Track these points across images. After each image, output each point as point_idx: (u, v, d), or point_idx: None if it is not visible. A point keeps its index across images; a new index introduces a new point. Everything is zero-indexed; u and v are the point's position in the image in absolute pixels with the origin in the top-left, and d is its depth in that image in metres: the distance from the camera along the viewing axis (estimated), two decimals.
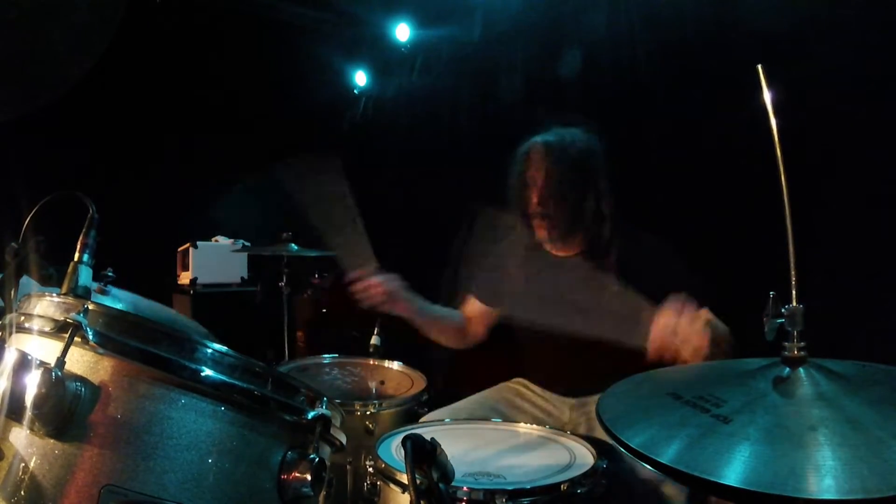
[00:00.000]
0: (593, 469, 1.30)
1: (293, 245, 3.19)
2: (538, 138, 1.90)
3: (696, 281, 1.75)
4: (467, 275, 2.13)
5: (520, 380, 2.02)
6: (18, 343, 0.96)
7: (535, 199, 1.84)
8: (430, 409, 1.99)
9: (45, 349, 0.90)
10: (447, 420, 1.71)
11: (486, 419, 1.74)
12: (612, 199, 1.84)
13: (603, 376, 1.11)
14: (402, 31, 4.22)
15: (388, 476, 1.30)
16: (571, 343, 1.78)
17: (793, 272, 0.93)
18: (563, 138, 1.88)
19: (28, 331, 0.95)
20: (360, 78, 4.80)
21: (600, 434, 1.54)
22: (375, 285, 1.88)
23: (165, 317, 1.72)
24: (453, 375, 2.22)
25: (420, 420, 1.83)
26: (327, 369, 2.30)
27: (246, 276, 4.36)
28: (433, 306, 2.07)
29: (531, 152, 1.89)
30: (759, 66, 0.97)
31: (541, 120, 1.95)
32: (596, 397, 1.75)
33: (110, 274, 1.56)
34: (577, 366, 1.82)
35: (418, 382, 2.14)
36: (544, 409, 1.93)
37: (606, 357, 1.65)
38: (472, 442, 1.52)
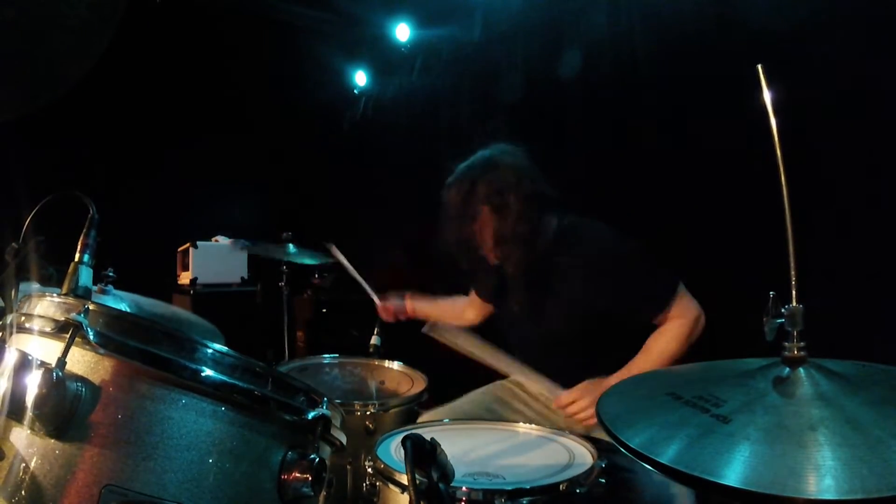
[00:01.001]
0: (592, 469, 1.29)
1: (291, 246, 3.19)
2: (462, 165, 1.87)
3: (655, 265, 1.79)
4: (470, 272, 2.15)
5: (512, 380, 2.00)
6: (19, 343, 0.96)
7: (492, 257, 1.84)
8: (430, 409, 1.99)
9: (46, 349, 0.90)
10: (447, 420, 1.71)
11: (481, 419, 1.74)
12: (547, 213, 1.82)
13: (593, 371, 1.14)
14: (402, 31, 4.22)
15: (387, 477, 1.30)
16: (539, 348, 1.88)
17: (793, 272, 0.93)
18: (482, 158, 1.85)
19: (29, 331, 0.95)
20: (360, 78, 4.80)
21: (598, 434, 1.54)
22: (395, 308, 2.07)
23: (168, 315, 1.72)
24: (453, 375, 2.22)
25: (416, 420, 1.83)
26: (327, 369, 2.30)
27: (246, 276, 4.36)
28: (439, 301, 2.24)
29: (451, 190, 1.86)
30: (759, 66, 0.97)
31: (451, 158, 1.93)
32: None
33: (111, 274, 1.56)
34: (567, 362, 1.83)
35: (418, 382, 2.14)
36: (539, 412, 1.93)
37: (595, 352, 1.79)
38: (471, 442, 1.52)
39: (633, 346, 1.78)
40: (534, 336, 1.91)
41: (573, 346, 1.83)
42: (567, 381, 1.79)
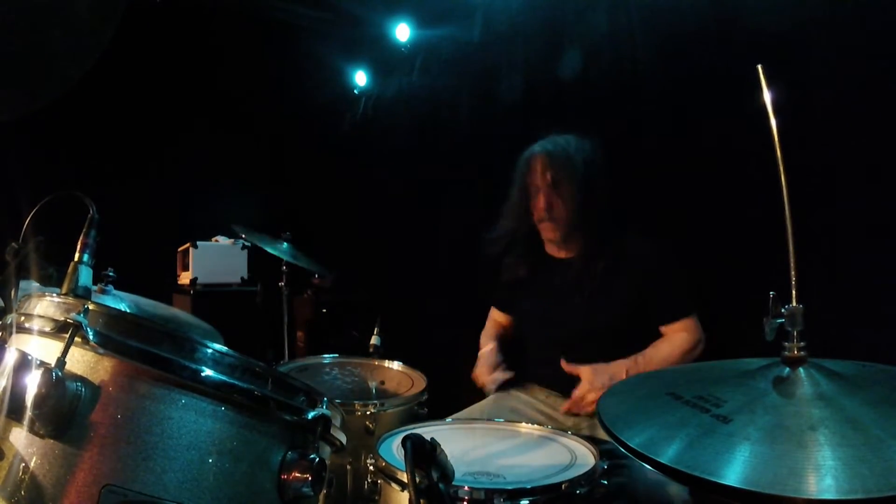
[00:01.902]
0: (594, 469, 1.29)
1: (285, 244, 3.18)
2: (537, 147, 2.01)
3: (685, 283, 1.92)
4: (489, 287, 2.27)
5: (514, 392, 2.04)
6: (19, 343, 0.96)
7: (541, 205, 1.95)
8: (430, 410, 1.99)
9: (46, 349, 0.90)
10: (447, 420, 1.71)
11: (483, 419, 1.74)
12: (607, 204, 1.95)
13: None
14: (402, 31, 4.22)
15: (388, 475, 1.30)
16: (574, 341, 1.91)
17: (793, 272, 0.93)
18: (561, 145, 1.99)
19: (28, 331, 0.95)
20: (360, 78, 4.80)
21: (602, 436, 1.54)
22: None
23: (168, 316, 1.72)
24: (454, 376, 2.22)
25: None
26: (327, 369, 2.29)
27: (246, 276, 4.36)
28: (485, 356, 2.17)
29: (532, 161, 2.00)
30: (759, 66, 0.97)
31: (538, 128, 2.06)
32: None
33: (111, 274, 1.56)
34: (575, 347, 1.87)
35: (418, 382, 2.14)
36: (547, 413, 1.94)
37: (609, 354, 1.81)
38: (472, 442, 1.52)
39: (639, 345, 1.86)
40: (560, 334, 1.97)
41: (600, 342, 1.89)
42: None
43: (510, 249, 2.11)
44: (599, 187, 1.95)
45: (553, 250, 2.08)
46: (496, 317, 2.32)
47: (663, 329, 1.88)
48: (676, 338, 1.86)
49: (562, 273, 2.02)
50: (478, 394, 2.07)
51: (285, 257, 3.18)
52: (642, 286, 1.88)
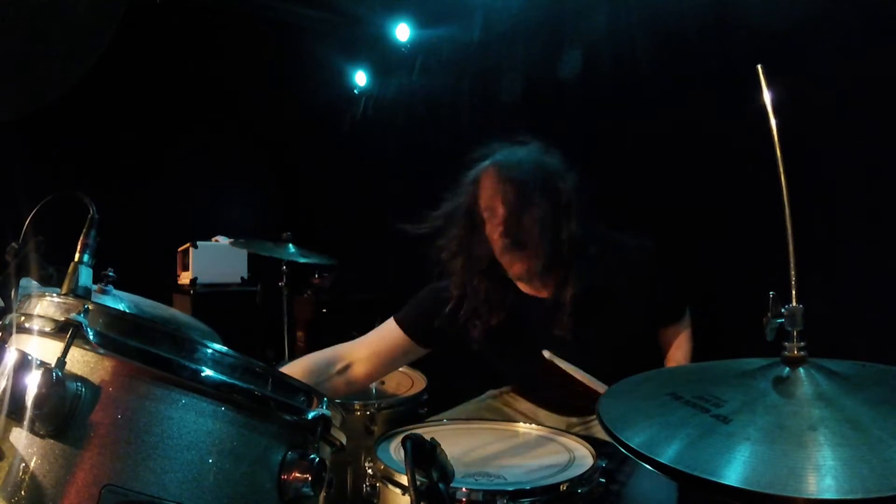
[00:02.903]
0: (593, 469, 1.29)
1: (291, 246, 3.18)
2: (486, 162, 1.68)
3: (681, 283, 1.78)
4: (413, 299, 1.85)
5: (508, 391, 1.96)
6: (19, 343, 0.96)
7: (499, 230, 1.59)
8: (430, 410, 1.99)
9: (46, 349, 0.90)
10: (446, 420, 1.71)
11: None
12: (581, 224, 1.63)
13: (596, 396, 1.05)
14: (402, 31, 4.22)
15: (387, 477, 1.30)
16: (556, 373, 1.68)
17: (793, 272, 0.93)
18: (518, 157, 1.65)
19: (28, 331, 0.95)
20: (360, 78, 4.80)
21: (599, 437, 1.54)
22: None
23: (167, 316, 1.72)
24: (454, 375, 2.22)
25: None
26: None
27: (246, 276, 4.36)
28: None
29: (481, 178, 1.65)
30: (759, 66, 0.97)
31: (494, 136, 1.76)
32: (593, 416, 1.73)
33: (111, 274, 1.56)
34: (567, 391, 1.68)
35: (418, 382, 2.14)
36: (538, 422, 1.89)
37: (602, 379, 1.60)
38: (471, 442, 1.52)
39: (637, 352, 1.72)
40: (553, 395, 1.79)
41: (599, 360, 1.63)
42: (576, 408, 1.76)
43: (472, 296, 1.72)
44: (568, 206, 1.62)
45: (527, 289, 1.73)
46: (394, 339, 1.80)
47: (662, 332, 1.79)
48: (681, 339, 1.78)
49: (540, 318, 1.68)
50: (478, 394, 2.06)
51: (292, 258, 3.18)
52: (639, 303, 1.65)
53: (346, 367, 1.76)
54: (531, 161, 1.64)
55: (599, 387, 1.54)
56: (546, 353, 1.60)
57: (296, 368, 1.71)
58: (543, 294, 1.71)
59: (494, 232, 1.62)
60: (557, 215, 1.60)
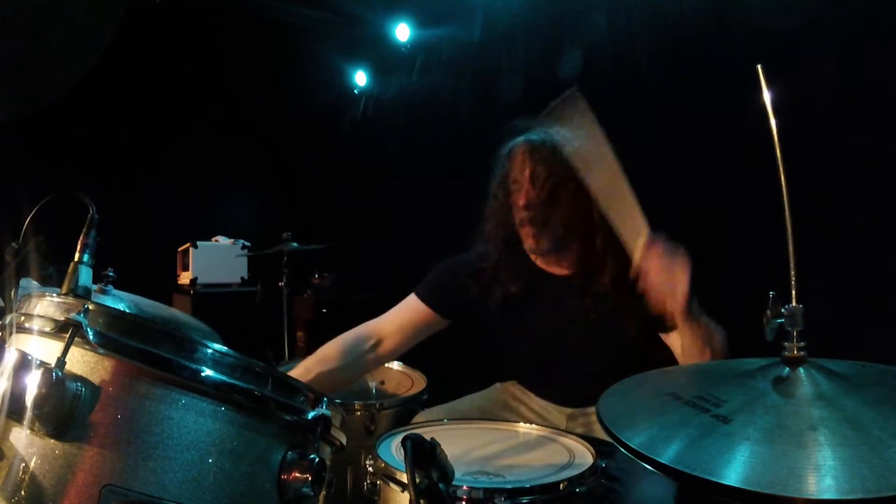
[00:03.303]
0: (592, 468, 1.30)
1: (294, 243, 3.19)
2: (521, 138, 1.75)
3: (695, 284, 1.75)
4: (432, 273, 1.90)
5: (514, 383, 1.96)
6: (19, 343, 0.96)
7: (521, 203, 1.67)
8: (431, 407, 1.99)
9: (46, 349, 0.90)
10: (447, 420, 1.71)
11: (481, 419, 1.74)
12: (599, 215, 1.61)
13: (601, 385, 1.06)
14: (402, 31, 4.23)
15: (388, 475, 1.30)
16: (566, 354, 1.74)
17: (793, 272, 0.93)
18: (549, 136, 1.70)
19: (28, 331, 0.95)
20: (360, 78, 4.80)
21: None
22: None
23: (167, 316, 1.72)
24: (454, 375, 2.22)
25: (411, 421, 1.78)
26: None
27: (246, 276, 4.36)
28: None
29: (514, 153, 1.74)
30: (759, 66, 0.97)
31: (526, 121, 1.79)
32: (593, 408, 1.73)
33: (111, 274, 1.56)
34: (574, 376, 1.75)
35: (418, 382, 2.14)
36: (540, 415, 1.89)
37: (604, 366, 1.59)
38: (471, 442, 1.52)
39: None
40: (557, 379, 1.80)
41: (606, 377, 1.62)
42: (574, 393, 1.76)
43: (496, 260, 1.80)
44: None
45: (544, 264, 1.78)
46: (416, 312, 1.85)
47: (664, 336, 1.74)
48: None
49: (557, 295, 1.73)
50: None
51: (295, 247, 3.18)
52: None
53: (377, 344, 1.83)
54: (559, 141, 1.65)
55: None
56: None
57: (331, 349, 1.78)
58: (563, 272, 1.76)
59: (518, 202, 1.69)
60: (583, 201, 1.61)
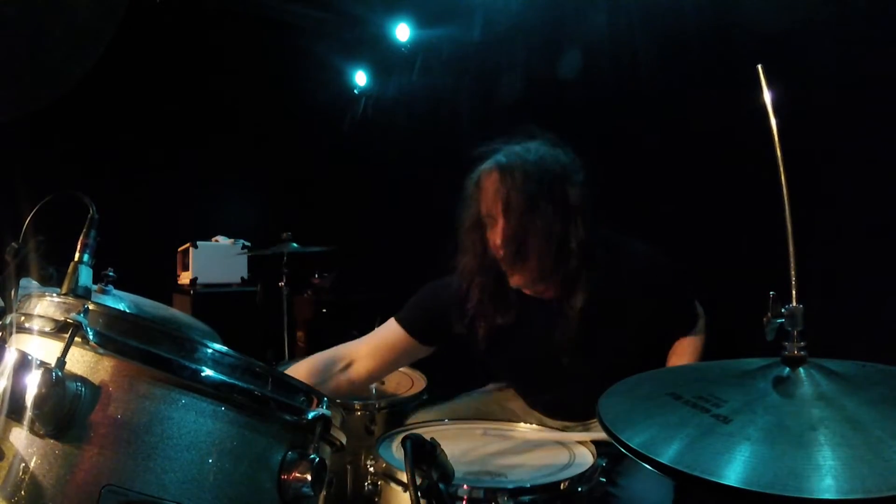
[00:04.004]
0: (593, 468, 1.30)
1: (294, 244, 3.19)
2: (490, 162, 1.60)
3: (689, 295, 1.74)
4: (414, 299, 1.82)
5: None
6: (19, 343, 0.96)
7: (497, 241, 1.54)
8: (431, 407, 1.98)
9: (46, 349, 0.90)
10: (447, 420, 1.71)
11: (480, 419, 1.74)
12: (588, 230, 1.57)
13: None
14: (402, 31, 4.23)
15: (388, 475, 1.30)
16: (561, 375, 1.68)
17: (793, 272, 0.93)
18: (519, 157, 1.57)
19: (28, 331, 0.95)
20: (360, 78, 4.80)
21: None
22: None
23: (167, 316, 1.72)
24: (453, 375, 2.22)
25: (407, 421, 1.77)
26: None
27: (246, 276, 4.36)
28: None
29: (483, 181, 1.60)
30: (759, 66, 0.97)
31: (497, 131, 1.69)
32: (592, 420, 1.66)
33: (111, 274, 1.56)
34: (570, 394, 1.71)
35: (418, 382, 2.14)
36: (539, 419, 1.88)
37: (602, 382, 1.57)
38: (472, 442, 1.52)
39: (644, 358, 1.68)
40: (549, 399, 1.78)
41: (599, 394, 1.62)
42: (569, 403, 1.76)
43: (478, 295, 1.68)
44: (577, 209, 1.55)
45: (529, 290, 1.68)
46: (395, 337, 1.77)
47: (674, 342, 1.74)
48: (690, 347, 1.72)
49: (545, 319, 1.65)
50: None
51: (295, 247, 3.18)
52: (649, 311, 1.62)
53: (349, 365, 1.76)
54: (535, 163, 1.56)
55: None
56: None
57: (300, 368, 1.72)
58: (548, 295, 1.67)
59: (495, 240, 1.58)
60: (564, 222, 1.54)
